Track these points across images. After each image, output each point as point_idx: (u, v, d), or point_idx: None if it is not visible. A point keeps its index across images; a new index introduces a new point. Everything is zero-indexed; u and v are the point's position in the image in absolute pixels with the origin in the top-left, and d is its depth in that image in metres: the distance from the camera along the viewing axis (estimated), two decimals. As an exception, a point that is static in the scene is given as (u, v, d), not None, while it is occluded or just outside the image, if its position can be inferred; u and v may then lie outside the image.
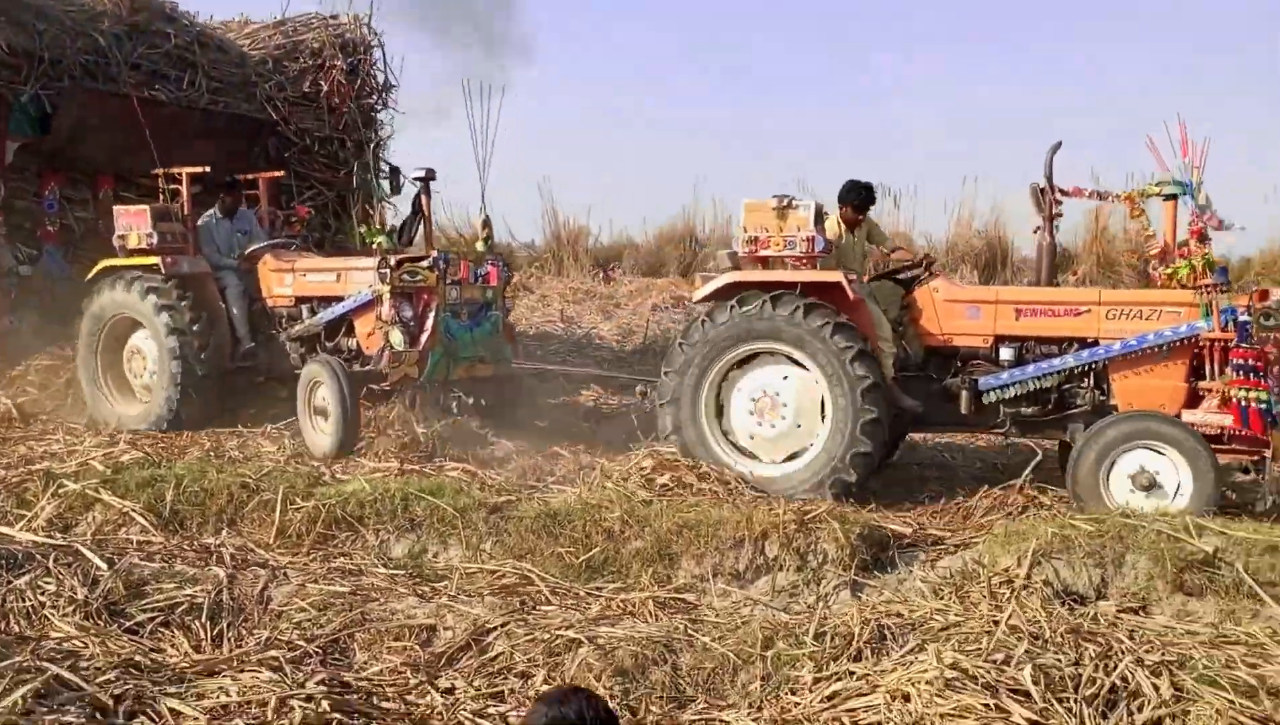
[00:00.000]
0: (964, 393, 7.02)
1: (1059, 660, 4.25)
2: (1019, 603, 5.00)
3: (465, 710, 4.11)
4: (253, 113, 11.64)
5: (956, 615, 4.90)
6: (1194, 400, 6.81)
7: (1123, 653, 4.27)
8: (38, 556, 5.22)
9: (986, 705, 3.85)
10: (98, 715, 3.65)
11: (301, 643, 4.67)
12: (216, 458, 7.66)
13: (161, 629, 4.78)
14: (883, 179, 23.04)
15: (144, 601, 4.94)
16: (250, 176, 10.03)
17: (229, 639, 4.78)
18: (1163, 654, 4.32)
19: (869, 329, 7.01)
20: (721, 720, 4.07)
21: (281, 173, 10.84)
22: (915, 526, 6.34)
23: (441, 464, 7.76)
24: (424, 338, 8.27)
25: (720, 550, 5.91)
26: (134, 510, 6.31)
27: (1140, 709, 4.01)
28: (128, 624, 4.76)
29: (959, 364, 7.22)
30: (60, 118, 9.86)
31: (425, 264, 8.30)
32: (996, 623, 4.62)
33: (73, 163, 10.27)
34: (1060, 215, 7.28)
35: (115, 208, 9.35)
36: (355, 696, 4.15)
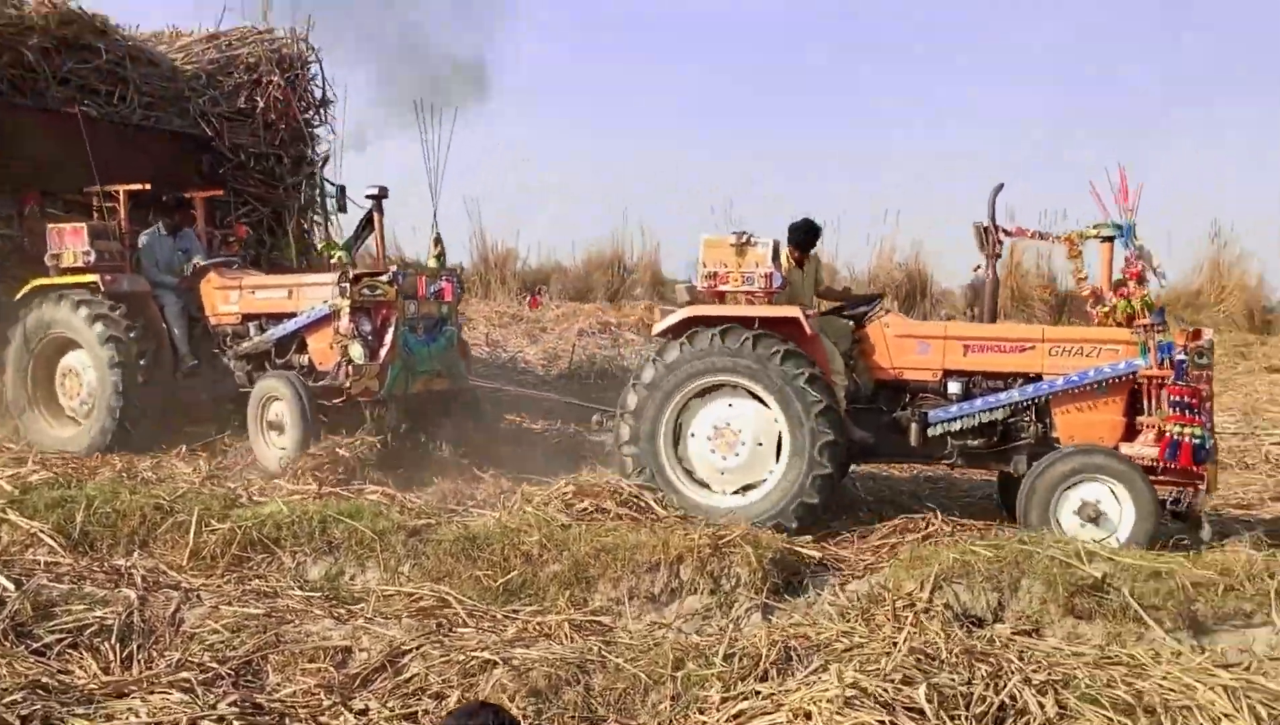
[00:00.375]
0: (913, 425, 7.21)
1: (953, 680, 4.46)
2: (920, 625, 5.23)
3: (378, 732, 4.16)
4: (186, 128, 11.45)
5: (861, 637, 5.09)
6: (1131, 434, 7.10)
7: (1012, 672, 4.50)
8: (-60, 577, 5.12)
9: (882, 722, 4.04)
10: (2, 736, 3.63)
11: (214, 664, 4.66)
12: (129, 479, 7.55)
13: (70, 651, 4.72)
14: (810, 209, 23.68)
15: (52, 623, 4.89)
16: (190, 195, 9.91)
17: (139, 661, 4.73)
18: (1049, 674, 4.57)
19: (823, 363, 7.19)
20: (631, 739, 4.18)
21: (221, 191, 10.73)
22: (825, 551, 6.53)
23: (361, 487, 7.76)
24: (383, 351, 8.34)
25: (636, 574, 6.03)
26: (42, 531, 6.21)
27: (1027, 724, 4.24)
28: (35, 645, 4.70)
29: (908, 397, 7.43)
30: None
31: (384, 279, 8.39)
32: (897, 644, 4.83)
33: None
34: (999, 254, 7.51)
35: (49, 226, 9.17)
36: (268, 718, 4.18)
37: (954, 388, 7.29)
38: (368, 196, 8.81)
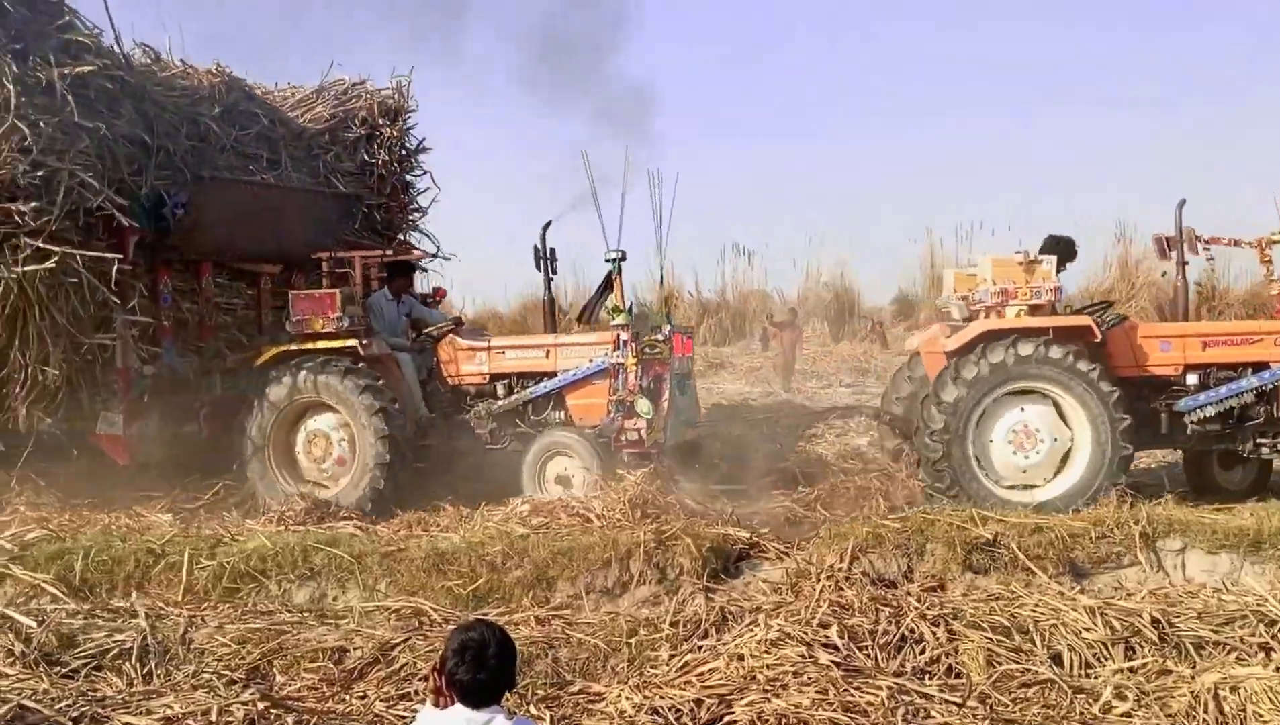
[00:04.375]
0: (1164, 416, 8.10)
1: (862, 621, 5.32)
2: (838, 588, 6.07)
3: (377, 707, 4.87)
4: (316, 187, 11.13)
5: (788, 601, 5.92)
6: None
7: (910, 611, 5.36)
8: (-33, 622, 5.69)
9: (802, 655, 4.87)
10: (62, 732, 4.27)
11: (226, 671, 5.32)
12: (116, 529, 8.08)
13: (95, 673, 5.33)
14: (738, 238, 24.80)
15: (76, 650, 5.49)
16: (350, 255, 9.86)
17: (158, 676, 5.36)
18: (941, 610, 5.44)
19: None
20: (596, 693, 4.93)
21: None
22: (757, 535, 7.31)
23: (333, 525, 8.37)
24: (665, 403, 8.82)
25: (591, 571, 6.77)
26: (45, 582, 6.72)
27: (923, 651, 5.11)
28: (64, 670, 5.30)
29: (1146, 391, 8.18)
30: (189, 209, 9.37)
31: (660, 337, 8.97)
32: (817, 602, 5.66)
33: (181, 254, 9.73)
34: (1188, 263, 8.57)
35: (291, 293, 9.30)
36: (281, 708, 4.85)
37: (1192, 380, 8.18)
38: (607, 261, 9.27)
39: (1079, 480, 7.90)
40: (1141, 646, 5.19)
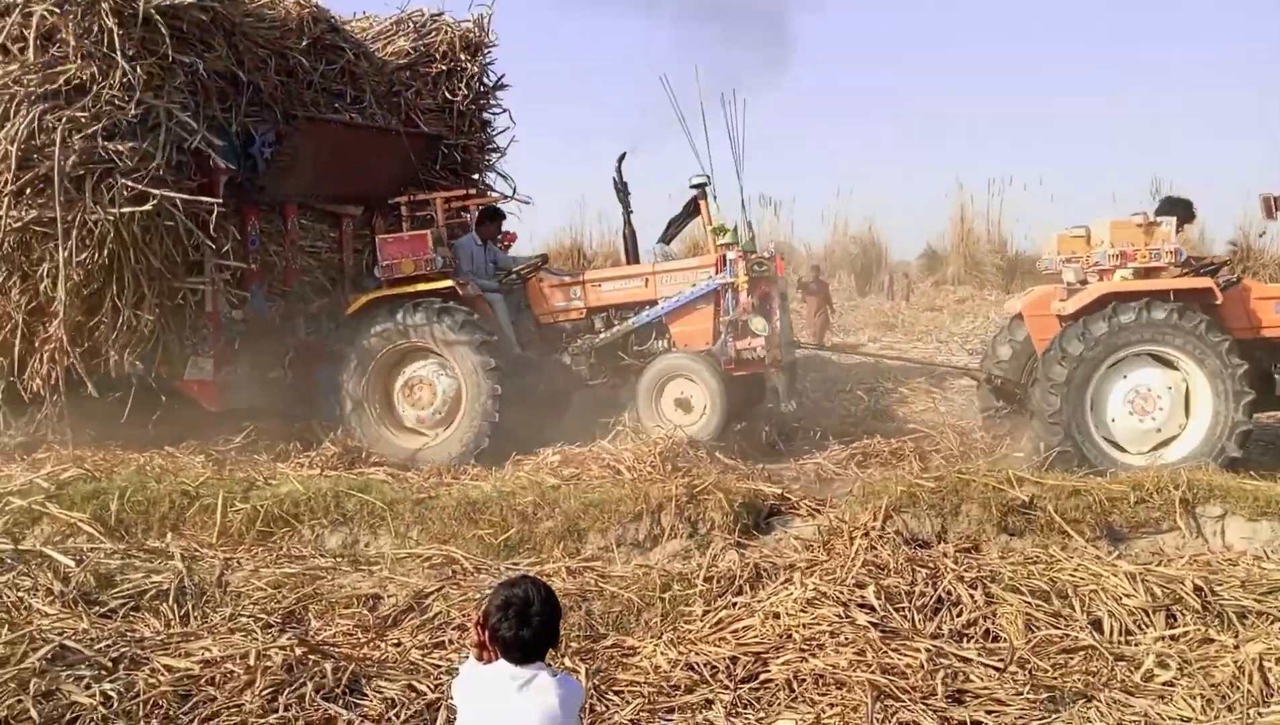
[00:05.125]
0: (1278, 378, 7.98)
1: (899, 582, 5.27)
2: (872, 548, 6.02)
3: (413, 655, 4.88)
4: (400, 126, 10.78)
5: (822, 559, 5.88)
6: None
7: (947, 573, 5.31)
8: (7, 560, 5.75)
9: (839, 616, 4.83)
10: (103, 672, 4.30)
11: (263, 615, 5.35)
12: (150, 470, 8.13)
13: (133, 613, 5.38)
14: (765, 190, 24.53)
15: (114, 590, 5.54)
16: (433, 196, 9.65)
17: (195, 618, 5.41)
18: (979, 572, 5.38)
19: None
20: (630, 646, 4.93)
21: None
22: (789, 492, 7.28)
23: (364, 471, 8.39)
24: (777, 322, 8.75)
25: (622, 524, 6.76)
26: (81, 521, 6.79)
27: (960, 613, 5.06)
28: (102, 610, 5.35)
29: (1260, 353, 8.04)
30: (277, 149, 9.21)
31: (767, 255, 8.92)
32: (852, 560, 5.62)
33: (267, 195, 9.46)
34: None
35: (378, 238, 9.21)
36: (318, 653, 4.87)
37: None
38: (692, 186, 9.11)
39: (1196, 445, 7.81)
40: (1183, 614, 5.12)
